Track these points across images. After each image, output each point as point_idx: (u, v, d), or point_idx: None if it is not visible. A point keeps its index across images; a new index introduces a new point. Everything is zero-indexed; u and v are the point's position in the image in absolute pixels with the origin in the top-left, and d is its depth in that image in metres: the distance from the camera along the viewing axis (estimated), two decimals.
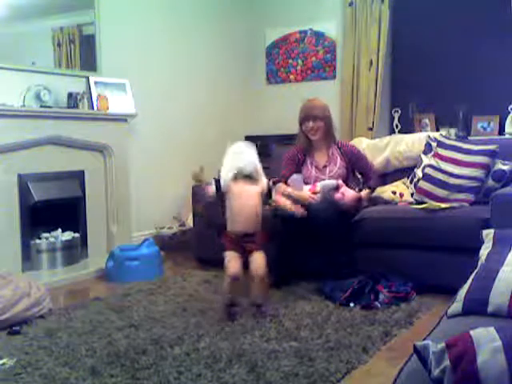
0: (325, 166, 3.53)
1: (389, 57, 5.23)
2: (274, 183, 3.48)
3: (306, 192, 3.35)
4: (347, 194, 3.35)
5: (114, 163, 4.18)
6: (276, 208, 3.28)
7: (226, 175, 2.80)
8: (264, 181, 2.87)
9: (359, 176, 3.70)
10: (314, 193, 3.34)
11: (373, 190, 3.60)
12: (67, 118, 3.84)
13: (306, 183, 3.47)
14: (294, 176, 3.47)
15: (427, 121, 5.00)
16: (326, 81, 5.44)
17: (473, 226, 2.88)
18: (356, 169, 3.66)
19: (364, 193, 3.51)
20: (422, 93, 5.03)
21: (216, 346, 2.37)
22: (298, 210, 3.17)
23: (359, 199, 3.42)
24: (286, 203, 3.21)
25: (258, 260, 2.73)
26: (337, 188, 3.36)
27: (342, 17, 5.27)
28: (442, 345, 0.95)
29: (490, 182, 3.32)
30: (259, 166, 2.86)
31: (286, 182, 3.47)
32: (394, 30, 5.22)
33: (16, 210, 3.60)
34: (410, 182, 3.61)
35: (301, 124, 3.53)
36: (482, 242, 1.89)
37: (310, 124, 3.47)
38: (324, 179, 3.46)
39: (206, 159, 5.15)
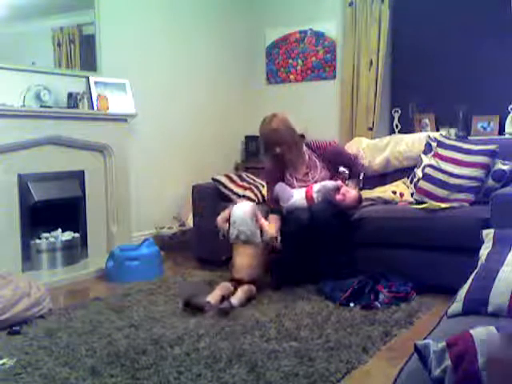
0: (306, 174, 3.47)
1: (389, 57, 5.23)
2: (272, 210, 3.48)
3: (270, 229, 3.29)
4: (348, 194, 3.34)
5: (114, 163, 4.18)
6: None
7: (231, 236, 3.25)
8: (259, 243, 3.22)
9: (345, 170, 3.66)
10: (311, 196, 3.33)
11: (359, 178, 3.59)
12: (67, 118, 3.84)
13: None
14: (278, 186, 3.41)
15: (427, 121, 5.00)
16: (326, 81, 5.44)
17: (473, 226, 2.88)
18: (338, 165, 3.57)
19: (352, 185, 3.50)
20: (422, 93, 5.03)
21: (216, 346, 2.37)
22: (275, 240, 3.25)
23: (360, 198, 3.41)
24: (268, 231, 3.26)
25: (240, 293, 3.01)
26: (337, 189, 3.34)
27: (342, 17, 5.27)
28: (442, 344, 0.95)
29: (490, 182, 3.32)
30: (252, 231, 3.19)
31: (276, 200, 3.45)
32: (394, 29, 5.22)
33: (16, 210, 3.60)
34: (410, 182, 3.61)
35: (265, 150, 3.45)
36: (482, 242, 1.89)
37: (277, 150, 3.37)
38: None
39: (206, 159, 5.16)
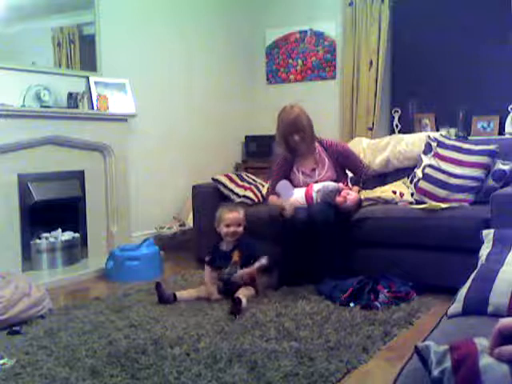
0: (313, 170, 3.48)
1: (389, 57, 5.23)
2: (267, 196, 3.53)
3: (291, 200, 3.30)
4: (350, 197, 3.33)
5: (113, 163, 4.18)
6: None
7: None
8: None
9: (349, 173, 3.67)
10: (311, 195, 3.32)
11: (362, 184, 3.60)
12: (67, 118, 3.84)
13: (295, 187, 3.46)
14: (280, 183, 3.43)
15: (427, 121, 5.00)
16: (326, 81, 5.44)
17: (473, 226, 2.88)
18: (345, 167, 3.61)
19: (354, 188, 3.51)
20: (422, 93, 5.03)
21: (216, 346, 2.36)
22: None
23: (360, 201, 3.41)
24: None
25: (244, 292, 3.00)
26: (338, 191, 3.33)
27: (342, 17, 5.28)
28: (444, 347, 0.94)
29: (490, 182, 3.32)
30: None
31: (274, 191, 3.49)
32: (394, 29, 5.22)
33: (16, 210, 3.60)
34: (410, 182, 3.61)
35: (284, 137, 3.42)
36: (482, 242, 1.89)
37: (296, 138, 3.38)
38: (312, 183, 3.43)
39: (206, 159, 5.16)
